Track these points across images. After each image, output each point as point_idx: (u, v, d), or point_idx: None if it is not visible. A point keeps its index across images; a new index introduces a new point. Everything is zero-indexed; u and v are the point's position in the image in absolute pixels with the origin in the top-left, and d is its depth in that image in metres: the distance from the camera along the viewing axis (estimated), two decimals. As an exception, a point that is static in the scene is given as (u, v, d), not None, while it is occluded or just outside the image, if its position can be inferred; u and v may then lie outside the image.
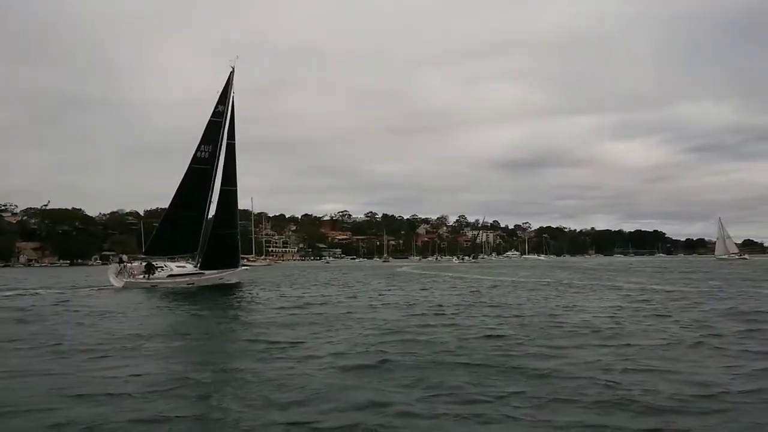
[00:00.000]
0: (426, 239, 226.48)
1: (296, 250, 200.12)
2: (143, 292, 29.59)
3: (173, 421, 6.79)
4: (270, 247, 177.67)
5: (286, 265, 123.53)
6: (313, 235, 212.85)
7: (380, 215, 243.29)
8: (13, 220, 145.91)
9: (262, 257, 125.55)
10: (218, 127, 37.34)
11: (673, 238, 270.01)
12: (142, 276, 34.19)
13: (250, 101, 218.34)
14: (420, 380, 8.74)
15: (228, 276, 37.56)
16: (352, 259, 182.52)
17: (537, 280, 40.82)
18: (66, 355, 11.13)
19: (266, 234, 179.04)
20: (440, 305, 20.90)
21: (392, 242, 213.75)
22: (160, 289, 31.85)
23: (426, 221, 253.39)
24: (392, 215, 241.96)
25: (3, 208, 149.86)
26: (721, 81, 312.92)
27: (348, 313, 18.37)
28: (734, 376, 8.97)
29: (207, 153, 37.05)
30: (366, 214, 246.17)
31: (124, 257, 39.98)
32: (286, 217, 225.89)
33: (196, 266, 36.40)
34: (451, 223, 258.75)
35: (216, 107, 37.45)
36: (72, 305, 22.53)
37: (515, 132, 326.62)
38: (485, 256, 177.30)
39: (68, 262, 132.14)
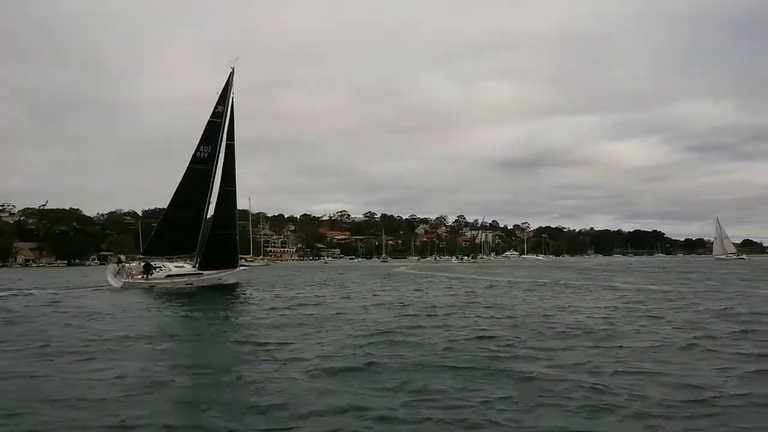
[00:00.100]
0: (425, 239, 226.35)
1: (295, 250, 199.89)
2: (137, 293, 29.40)
3: (145, 428, 6.63)
4: (268, 247, 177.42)
5: (284, 265, 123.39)
6: (311, 235, 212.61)
7: (379, 215, 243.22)
8: (11, 220, 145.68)
9: (260, 257, 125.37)
10: (217, 128, 37.30)
11: (672, 238, 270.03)
12: (140, 276, 34.08)
13: (249, 101, 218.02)
14: (405, 384, 8.59)
15: (226, 276, 37.44)
16: (350, 259, 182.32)
17: (533, 281, 40.69)
18: (51, 357, 10.98)
19: (264, 234, 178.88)
20: (433, 306, 20.76)
21: (391, 242, 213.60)
22: (158, 290, 31.70)
23: (425, 221, 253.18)
24: (391, 215, 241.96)
25: (0, 208, 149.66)
26: (721, 81, 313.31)
27: (339, 314, 18.23)
28: (725, 379, 8.82)
29: (206, 153, 37.02)
30: (365, 214, 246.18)
31: (123, 257, 39.88)
32: (285, 217, 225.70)
33: (194, 266, 36.28)
34: (449, 223, 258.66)
35: (215, 108, 37.40)
36: (63, 306, 22.37)
37: (514, 132, 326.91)
38: (484, 256, 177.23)
39: (66, 262, 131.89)
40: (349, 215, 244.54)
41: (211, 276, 35.75)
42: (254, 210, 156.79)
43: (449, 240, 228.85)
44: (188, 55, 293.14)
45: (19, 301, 25.41)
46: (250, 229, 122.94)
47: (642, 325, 15.00)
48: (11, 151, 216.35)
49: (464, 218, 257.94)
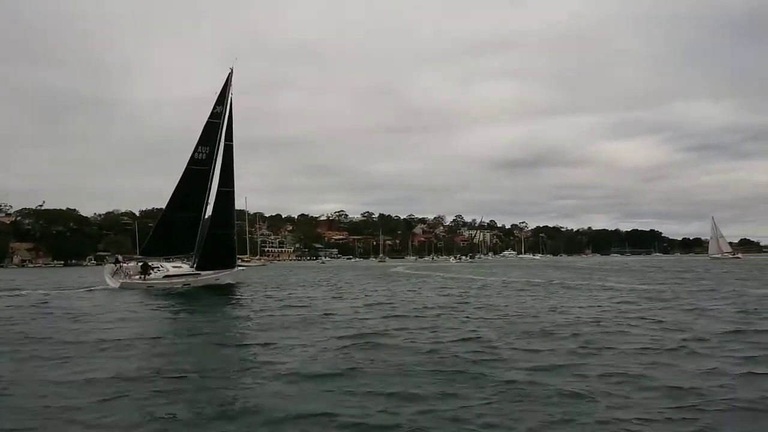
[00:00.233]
0: (423, 239, 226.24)
1: (293, 250, 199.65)
2: (129, 294, 29.11)
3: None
4: (266, 247, 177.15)
5: (281, 265, 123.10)
6: (309, 235, 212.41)
7: (377, 215, 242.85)
8: (7, 220, 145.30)
9: (257, 257, 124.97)
10: (216, 129, 37.29)
11: (670, 238, 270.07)
12: (137, 277, 33.95)
13: (248, 100, 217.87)
14: (383, 388, 8.36)
15: (224, 277, 37.34)
16: (348, 259, 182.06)
17: (528, 281, 40.50)
18: (23, 361, 10.75)
19: (262, 234, 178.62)
20: (424, 306, 20.55)
21: (389, 242, 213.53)
22: (156, 290, 31.53)
23: (423, 221, 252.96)
24: (389, 215, 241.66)
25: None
26: (720, 80, 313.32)
27: (327, 314, 17.98)
28: (711, 383, 8.58)
29: (204, 154, 37.01)
30: (363, 214, 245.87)
31: (120, 257, 39.83)
32: (283, 217, 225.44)
33: (192, 267, 36.23)
34: (447, 223, 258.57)
35: (214, 108, 37.38)
36: (50, 307, 22.13)
37: (513, 131, 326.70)
38: (482, 256, 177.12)
39: (62, 262, 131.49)
40: (347, 215, 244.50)
41: (208, 276, 35.66)
42: (252, 210, 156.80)
43: (447, 240, 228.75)
44: (187, 55, 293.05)
45: (4, 301, 25.15)
46: (247, 228, 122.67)
47: (632, 326, 14.80)
48: (9, 151, 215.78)
49: (462, 218, 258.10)
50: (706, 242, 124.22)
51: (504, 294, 27.28)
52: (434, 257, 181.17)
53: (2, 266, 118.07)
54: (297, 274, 61.45)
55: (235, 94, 37.84)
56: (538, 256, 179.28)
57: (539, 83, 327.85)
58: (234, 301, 25.17)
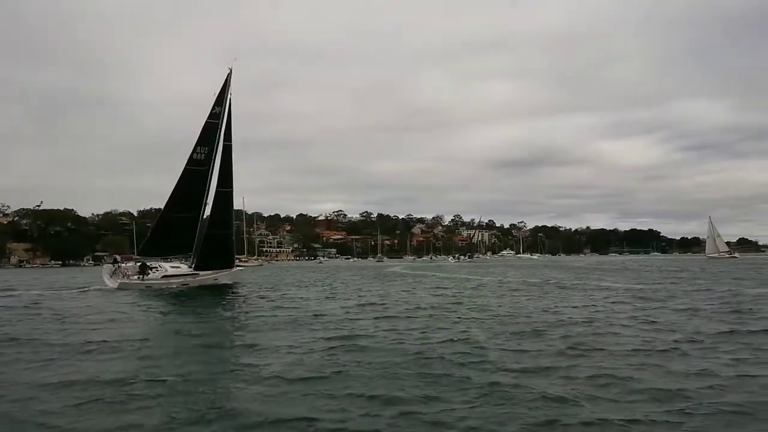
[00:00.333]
0: (421, 239, 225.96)
1: (291, 250, 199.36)
2: (124, 294, 28.95)
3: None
4: (264, 247, 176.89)
5: (279, 265, 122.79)
6: (308, 235, 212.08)
7: (376, 215, 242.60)
8: (5, 220, 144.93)
9: (254, 257, 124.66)
10: (215, 129, 37.34)
11: (669, 237, 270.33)
12: (136, 277, 33.88)
13: (247, 100, 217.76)
14: (366, 391, 8.22)
15: (223, 277, 37.45)
16: (346, 259, 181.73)
17: (524, 280, 40.40)
18: (6, 364, 10.59)
19: (260, 234, 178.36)
20: (416, 307, 20.39)
21: (387, 242, 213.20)
22: (155, 290, 31.47)
23: (421, 221, 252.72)
24: (387, 215, 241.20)
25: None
26: (718, 80, 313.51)
27: (317, 315, 17.84)
28: (701, 385, 8.43)
29: (203, 155, 37.08)
30: (361, 214, 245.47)
31: (118, 258, 39.95)
32: (281, 216, 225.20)
33: (190, 267, 36.22)
34: (446, 223, 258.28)
35: (213, 109, 37.43)
36: (42, 308, 21.97)
37: (511, 131, 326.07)
38: (480, 256, 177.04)
39: (60, 263, 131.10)
40: (345, 215, 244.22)
41: (207, 276, 35.75)
42: (250, 210, 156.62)
43: (446, 240, 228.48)
44: (187, 55, 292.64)
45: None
46: (244, 229, 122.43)
47: (624, 327, 14.69)
48: (8, 151, 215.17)
49: (461, 218, 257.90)
50: (704, 242, 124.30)
51: (498, 294, 27.15)
52: (433, 257, 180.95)
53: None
54: (293, 274, 61.28)
55: (234, 94, 38.00)
56: (536, 256, 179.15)
57: (538, 83, 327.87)
58: (226, 302, 25.00)
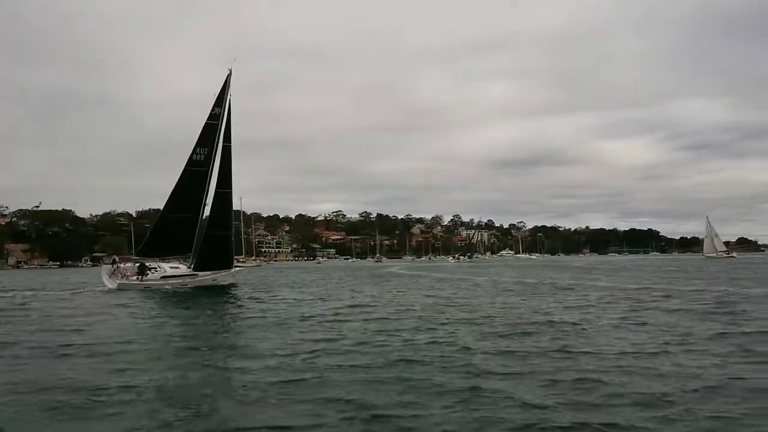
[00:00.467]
0: (420, 239, 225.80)
1: (290, 250, 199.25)
2: (116, 295, 28.78)
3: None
4: (263, 247, 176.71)
5: (277, 265, 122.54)
6: (306, 236, 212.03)
7: (375, 215, 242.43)
8: (3, 221, 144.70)
9: (252, 258, 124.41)
10: (214, 130, 37.41)
11: (668, 237, 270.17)
12: (135, 277, 33.84)
13: (247, 100, 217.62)
14: (344, 396, 8.01)
15: (222, 277, 37.44)
16: (345, 259, 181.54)
17: (521, 281, 40.18)
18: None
19: (259, 234, 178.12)
20: (408, 308, 20.17)
21: (386, 242, 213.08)
22: (153, 291, 31.39)
23: (420, 221, 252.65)
24: (386, 215, 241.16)
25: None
26: (716, 80, 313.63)
27: (307, 317, 17.62)
28: (687, 389, 8.21)
29: (203, 155, 37.16)
30: (360, 214, 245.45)
31: (117, 258, 40.07)
32: (280, 217, 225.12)
33: (189, 267, 36.19)
34: (445, 223, 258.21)
35: (212, 110, 37.53)
36: (30, 309, 21.81)
37: (511, 131, 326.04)
38: (479, 256, 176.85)
39: (58, 263, 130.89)
40: (344, 215, 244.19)
41: (206, 277, 35.75)
42: (250, 210, 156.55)
43: (445, 240, 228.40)
44: (186, 55, 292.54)
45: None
46: (242, 229, 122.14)
47: (615, 328, 14.49)
48: (6, 152, 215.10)
49: (460, 218, 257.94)
50: (703, 241, 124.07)
51: (492, 294, 26.91)
52: (432, 257, 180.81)
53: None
54: (290, 275, 61.06)
55: (234, 94, 38.09)
56: (534, 256, 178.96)
57: (537, 83, 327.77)
58: (219, 303, 24.78)
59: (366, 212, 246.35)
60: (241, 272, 48.99)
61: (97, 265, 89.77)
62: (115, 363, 10.64)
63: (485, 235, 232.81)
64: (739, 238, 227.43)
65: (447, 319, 16.70)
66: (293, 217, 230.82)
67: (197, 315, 19.62)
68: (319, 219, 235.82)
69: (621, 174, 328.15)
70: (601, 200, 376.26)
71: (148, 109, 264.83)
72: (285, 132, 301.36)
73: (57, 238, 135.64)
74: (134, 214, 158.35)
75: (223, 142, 37.30)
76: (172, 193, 36.83)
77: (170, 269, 35.32)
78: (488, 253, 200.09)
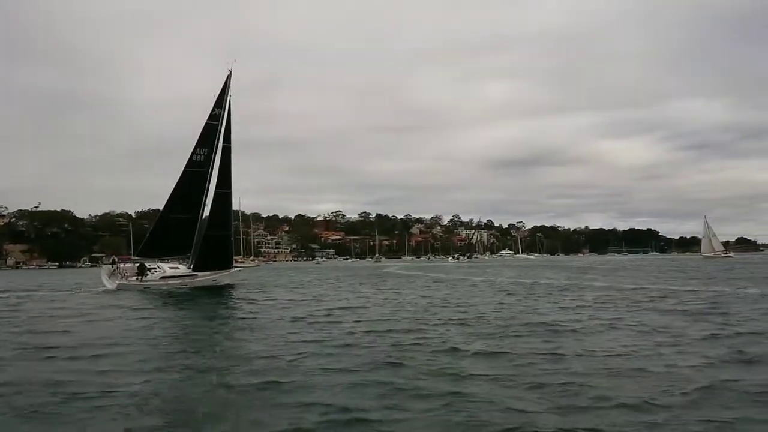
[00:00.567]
0: (420, 239, 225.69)
1: (289, 250, 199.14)
2: (111, 296, 28.66)
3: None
4: (262, 247, 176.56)
5: (276, 266, 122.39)
6: (306, 236, 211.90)
7: (374, 215, 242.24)
8: (2, 221, 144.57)
9: (250, 258, 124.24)
10: (214, 130, 37.46)
11: (667, 237, 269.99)
12: (135, 278, 33.82)
13: (246, 100, 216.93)
14: (324, 400, 7.80)
15: (221, 277, 37.43)
16: (344, 259, 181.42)
17: (518, 281, 40.01)
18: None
19: (258, 234, 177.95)
20: (400, 310, 19.96)
21: (386, 242, 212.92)
22: (153, 291, 31.33)
23: (420, 221, 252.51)
24: (386, 215, 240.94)
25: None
26: (715, 79, 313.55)
27: (297, 319, 17.42)
28: (677, 392, 8.01)
29: (203, 156, 37.23)
30: (360, 214, 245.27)
31: (116, 258, 40.23)
32: (279, 217, 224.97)
33: (189, 268, 36.19)
34: (445, 223, 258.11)
35: (212, 110, 37.58)
36: (21, 310, 21.64)
37: (509, 131, 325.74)
38: (479, 256, 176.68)
39: (57, 264, 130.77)
40: (344, 215, 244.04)
41: (205, 277, 35.74)
42: (249, 210, 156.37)
43: (444, 240, 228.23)
44: (186, 55, 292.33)
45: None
46: (241, 229, 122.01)
47: (609, 329, 14.30)
48: (6, 152, 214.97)
49: (459, 218, 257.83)
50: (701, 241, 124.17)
51: (487, 295, 26.73)
52: (431, 257, 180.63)
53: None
54: (287, 275, 60.89)
55: (233, 95, 38.02)
56: (533, 256, 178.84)
57: (536, 83, 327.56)
58: (211, 304, 24.61)
59: (365, 212, 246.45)
60: (240, 273, 48.95)
61: (96, 266, 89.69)
62: (96, 365, 10.45)
63: (485, 235, 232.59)
64: (738, 237, 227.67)
65: (439, 319, 16.52)
66: (293, 218, 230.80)
67: (188, 316, 19.45)
68: (318, 219, 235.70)
69: (620, 174, 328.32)
70: (601, 200, 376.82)
71: (147, 109, 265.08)
72: (285, 132, 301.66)
73: (56, 238, 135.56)
74: (133, 215, 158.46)
75: (223, 142, 37.44)
76: (172, 193, 36.91)
77: (170, 270, 35.33)
78: (488, 253, 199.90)
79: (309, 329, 15.04)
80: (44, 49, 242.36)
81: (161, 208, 38.88)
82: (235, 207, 48.82)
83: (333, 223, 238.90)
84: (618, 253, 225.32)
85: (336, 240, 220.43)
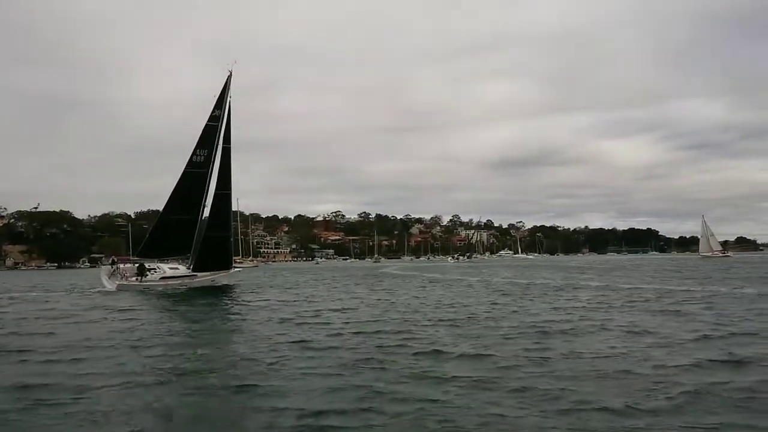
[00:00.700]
0: (419, 239, 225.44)
1: (289, 251, 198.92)
2: (104, 297, 28.50)
3: None
4: (262, 248, 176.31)
5: (275, 266, 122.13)
6: (305, 236, 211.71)
7: (374, 215, 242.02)
8: (1, 222, 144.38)
9: (249, 258, 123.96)
10: (214, 131, 37.52)
11: (667, 236, 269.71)
12: (134, 278, 33.76)
13: (246, 101, 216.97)
14: (299, 405, 7.58)
15: (221, 278, 37.43)
16: (344, 259, 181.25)
17: (514, 281, 39.81)
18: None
19: (258, 235, 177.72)
20: (392, 310, 19.75)
21: (385, 242, 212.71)
22: (153, 291, 31.28)
23: (419, 221, 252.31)
24: (385, 215, 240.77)
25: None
26: (715, 79, 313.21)
27: (286, 320, 17.21)
28: (662, 397, 7.78)
29: (202, 157, 37.29)
30: (359, 215, 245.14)
31: (116, 259, 40.30)
32: (279, 218, 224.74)
33: (188, 268, 36.17)
34: (444, 223, 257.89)
35: (212, 111, 37.65)
36: (10, 312, 21.44)
37: (509, 131, 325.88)
38: (478, 256, 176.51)
39: (56, 265, 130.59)
40: (343, 216, 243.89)
41: (205, 278, 35.74)
42: (249, 211, 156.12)
43: (444, 240, 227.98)
44: (185, 55, 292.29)
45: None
46: (240, 230, 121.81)
47: (600, 330, 14.09)
48: (5, 153, 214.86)
49: (459, 218, 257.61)
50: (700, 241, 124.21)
51: (482, 295, 26.52)
52: (431, 257, 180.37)
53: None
54: (285, 275, 60.67)
55: (233, 96, 38.01)
56: (532, 256, 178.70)
57: (535, 82, 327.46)
58: (203, 305, 24.35)
59: (365, 212, 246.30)
60: (239, 273, 48.85)
61: (95, 266, 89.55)
62: (73, 368, 10.22)
63: (484, 235, 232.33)
64: (738, 237, 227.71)
65: (429, 320, 16.32)
66: (292, 218, 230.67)
67: (176, 318, 19.24)
68: (318, 219, 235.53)
69: (620, 174, 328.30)
70: (600, 200, 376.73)
71: (147, 110, 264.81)
72: (284, 132, 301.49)
73: (55, 239, 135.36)
74: (132, 215, 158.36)
75: (223, 143, 37.53)
76: (172, 194, 36.95)
77: (169, 270, 35.34)
78: (487, 253, 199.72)
79: (296, 330, 14.84)
80: (43, 51, 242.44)
81: (160, 208, 38.94)
82: (234, 207, 48.83)
83: (332, 223, 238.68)
84: (618, 253, 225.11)
85: (335, 240, 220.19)
